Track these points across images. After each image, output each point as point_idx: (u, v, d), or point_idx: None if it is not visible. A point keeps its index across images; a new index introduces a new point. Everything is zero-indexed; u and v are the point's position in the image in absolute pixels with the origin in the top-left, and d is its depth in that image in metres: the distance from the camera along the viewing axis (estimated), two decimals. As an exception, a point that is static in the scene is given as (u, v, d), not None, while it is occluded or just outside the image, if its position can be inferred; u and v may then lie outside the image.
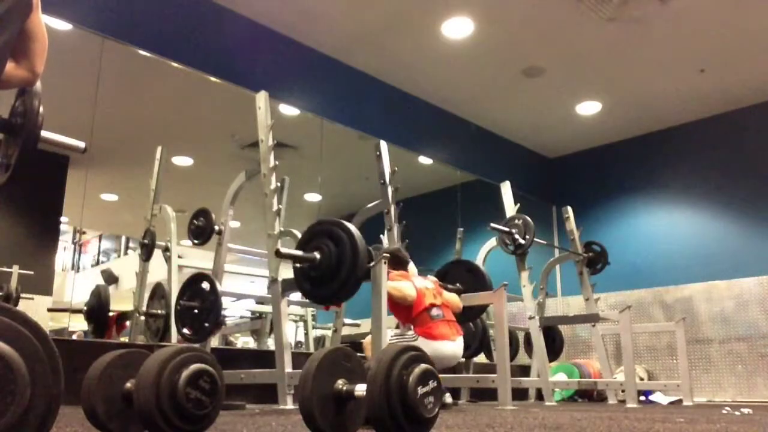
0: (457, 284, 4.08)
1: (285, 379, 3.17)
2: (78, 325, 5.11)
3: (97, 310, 4.11)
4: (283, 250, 2.72)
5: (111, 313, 4.72)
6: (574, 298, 6.26)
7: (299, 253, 2.72)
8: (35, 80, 1.58)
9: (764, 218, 5.90)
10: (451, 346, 3.36)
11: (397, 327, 3.58)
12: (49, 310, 4.42)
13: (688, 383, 4.86)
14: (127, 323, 4.56)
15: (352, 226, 2.74)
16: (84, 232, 5.04)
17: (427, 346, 3.24)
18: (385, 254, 2.98)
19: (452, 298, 3.68)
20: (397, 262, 3.56)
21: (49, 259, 4.67)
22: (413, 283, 3.42)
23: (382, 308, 2.93)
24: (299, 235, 5.20)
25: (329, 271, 2.70)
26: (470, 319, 4.48)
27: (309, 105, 5.24)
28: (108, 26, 4.10)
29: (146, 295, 4.39)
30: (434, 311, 3.37)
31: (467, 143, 6.68)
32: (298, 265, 2.78)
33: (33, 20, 1.57)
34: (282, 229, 3.46)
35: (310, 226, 2.83)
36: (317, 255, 2.71)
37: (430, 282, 3.58)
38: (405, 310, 3.39)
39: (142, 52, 4.29)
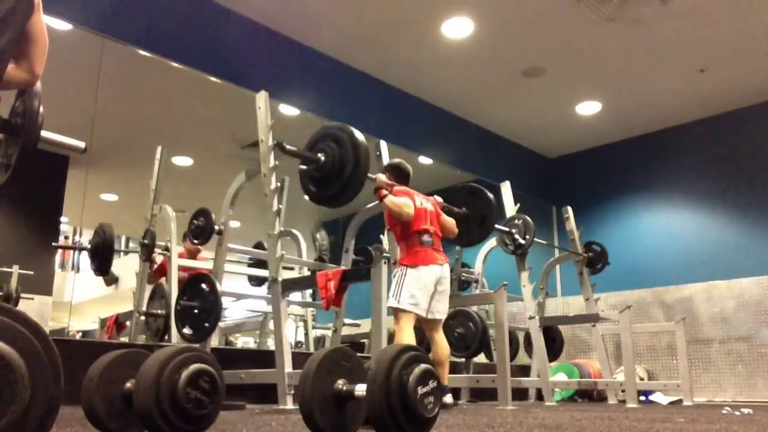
0: (463, 208, 4.04)
1: (285, 379, 3.17)
2: (78, 325, 5.10)
3: (101, 246, 4.13)
4: (288, 147, 2.81)
5: (111, 315, 4.73)
6: (574, 298, 6.26)
7: (305, 152, 2.84)
8: (34, 82, 1.58)
9: (764, 218, 5.90)
10: (439, 269, 3.38)
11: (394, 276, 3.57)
12: (55, 246, 4.48)
13: (688, 383, 4.86)
14: (127, 323, 4.56)
15: (356, 132, 2.83)
16: (66, 237, 5.09)
17: (418, 272, 3.29)
18: (385, 255, 2.99)
19: (448, 222, 3.68)
20: (400, 174, 3.58)
21: (49, 259, 4.68)
22: (413, 201, 3.42)
23: (382, 308, 2.94)
24: (299, 235, 5.23)
25: (333, 172, 2.81)
26: (463, 245, 4.37)
27: (309, 105, 5.24)
28: (108, 26, 4.10)
29: (146, 295, 4.39)
30: (425, 237, 3.40)
31: (467, 143, 6.68)
32: (303, 167, 2.86)
33: (34, 22, 1.57)
34: (282, 229, 3.46)
35: (316, 131, 2.93)
36: (321, 156, 2.81)
37: (430, 203, 3.57)
38: (401, 225, 3.41)
39: (142, 52, 4.29)
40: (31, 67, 1.58)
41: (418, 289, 3.28)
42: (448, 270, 3.52)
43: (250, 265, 5.26)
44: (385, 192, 3.33)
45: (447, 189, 6.71)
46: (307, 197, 3.06)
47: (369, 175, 3.04)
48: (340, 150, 2.81)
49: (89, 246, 4.23)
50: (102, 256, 4.13)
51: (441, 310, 3.43)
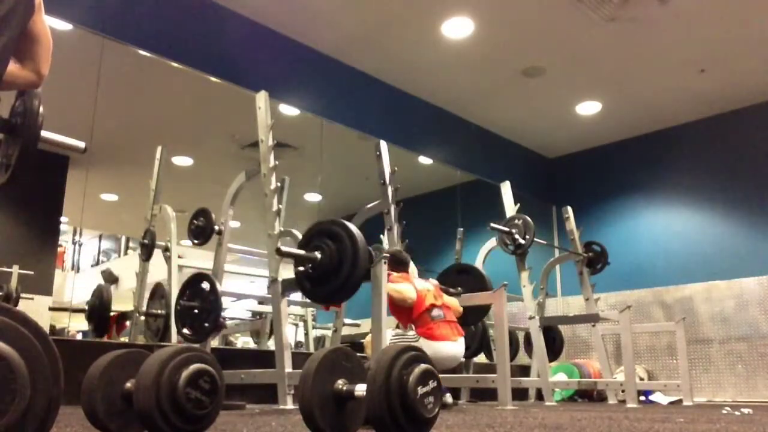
0: (458, 288, 4.07)
1: (285, 379, 3.16)
2: (78, 325, 5.11)
3: (98, 309, 4.11)
4: (284, 248, 2.73)
5: (112, 314, 4.73)
6: (574, 298, 6.26)
7: (300, 252, 2.73)
8: (40, 82, 1.58)
9: (764, 218, 5.90)
10: (452, 347, 3.35)
11: (398, 327, 3.58)
12: (51, 309, 4.43)
13: (688, 383, 4.86)
14: (127, 323, 4.56)
15: (352, 226, 2.74)
16: (63, 247, 5.08)
17: (428, 346, 3.24)
18: (385, 255, 2.99)
19: (453, 301, 3.68)
20: (398, 263, 3.56)
21: (49, 259, 4.67)
22: (413, 285, 3.42)
23: (382, 308, 2.93)
24: (299, 235, 5.22)
25: (330, 271, 2.70)
26: (475, 321, 4.46)
27: (309, 105, 5.24)
28: (108, 26, 4.10)
29: (146, 295, 4.39)
30: (435, 312, 3.37)
31: (467, 143, 6.68)
32: (300, 267, 2.78)
33: (36, 22, 1.57)
34: (282, 229, 3.46)
35: (310, 226, 2.84)
36: (318, 254, 2.72)
37: (430, 284, 3.58)
38: (405, 312, 3.39)
39: (142, 52, 4.29)
40: (36, 67, 1.58)
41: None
42: (463, 346, 3.48)
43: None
44: None
45: (447, 189, 6.75)
46: (303, 294, 2.98)
47: None
48: (337, 246, 2.70)
49: (86, 307, 4.22)
50: (99, 319, 4.13)
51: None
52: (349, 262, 2.66)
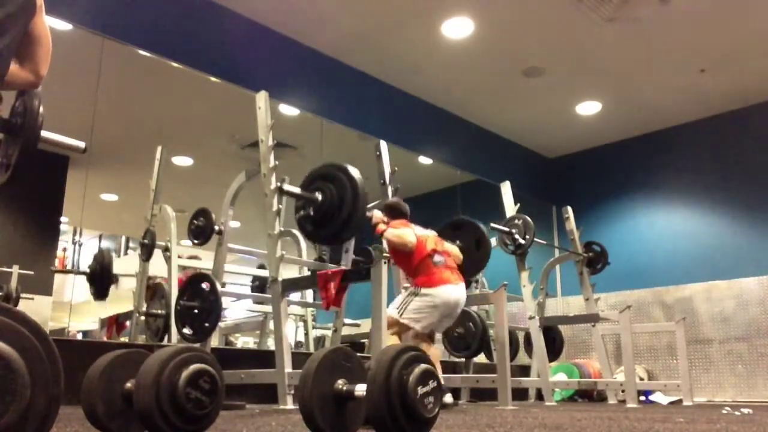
0: (458, 242, 4.04)
1: (285, 379, 3.16)
2: (78, 325, 5.10)
3: (99, 272, 4.13)
4: (286, 187, 2.80)
5: (111, 314, 4.73)
6: (574, 298, 6.26)
7: (302, 192, 2.81)
8: (39, 83, 1.59)
9: (764, 218, 5.90)
10: (455, 290, 3.36)
11: (407, 281, 3.56)
12: (54, 271, 4.49)
13: (688, 383, 4.86)
14: (127, 323, 4.56)
15: (352, 168, 2.82)
16: (65, 250, 5.13)
17: (434, 293, 3.26)
18: (386, 255, 2.99)
19: (453, 248, 3.66)
20: (397, 214, 3.57)
21: (49, 259, 4.67)
22: (413, 231, 3.41)
23: (382, 308, 2.93)
24: (299, 235, 5.24)
25: (331, 212, 2.79)
26: (473, 273, 4.38)
27: (309, 105, 5.24)
28: (108, 26, 4.10)
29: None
30: (436, 257, 3.37)
31: (467, 143, 6.68)
32: (301, 212, 2.85)
33: (37, 23, 1.57)
34: (282, 229, 3.46)
35: (311, 171, 2.91)
36: (318, 195, 2.81)
37: (430, 232, 3.57)
38: (407, 258, 3.39)
39: (142, 52, 4.29)
40: (35, 68, 1.58)
41: (428, 310, 3.26)
42: (464, 291, 3.49)
43: (253, 289, 5.24)
44: (383, 226, 3.32)
45: (447, 189, 6.74)
46: (307, 239, 3.04)
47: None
48: (338, 188, 2.79)
49: (87, 270, 4.23)
50: (100, 282, 4.14)
51: (441, 329, 3.42)
52: (350, 202, 2.74)
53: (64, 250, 5.25)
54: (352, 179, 2.77)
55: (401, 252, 3.36)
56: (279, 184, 2.89)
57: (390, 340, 3.22)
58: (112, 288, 5.20)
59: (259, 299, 4.84)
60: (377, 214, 3.38)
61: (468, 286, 4.35)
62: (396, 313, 3.27)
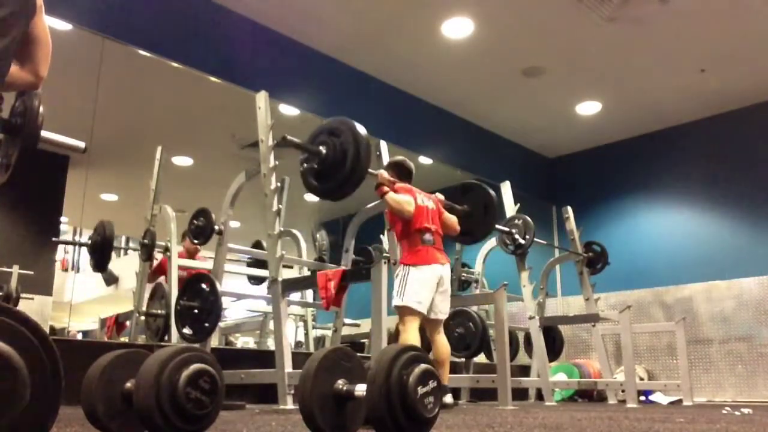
0: (465, 206, 4.02)
1: (285, 379, 3.17)
2: (78, 325, 5.10)
3: (100, 244, 4.12)
4: (290, 138, 2.83)
5: (111, 314, 4.72)
6: (574, 298, 6.26)
7: (306, 144, 2.85)
8: (39, 84, 1.59)
9: (764, 218, 5.90)
10: (440, 269, 3.37)
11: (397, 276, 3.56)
12: (55, 241, 4.51)
13: (688, 383, 4.86)
14: (127, 323, 4.56)
15: (356, 123, 2.84)
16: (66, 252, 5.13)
17: (418, 271, 3.28)
18: (386, 255, 2.99)
19: (450, 219, 3.66)
20: (402, 172, 3.57)
21: (49, 259, 4.67)
22: (414, 199, 3.41)
23: (382, 308, 2.94)
24: (299, 235, 5.23)
25: (335, 164, 2.81)
26: (481, 236, 4.38)
27: (309, 105, 5.24)
28: (108, 26, 4.10)
29: (146, 295, 4.39)
30: (427, 236, 3.38)
31: (467, 143, 6.68)
32: (305, 165, 2.88)
33: (37, 24, 1.57)
34: (282, 229, 3.46)
35: (318, 126, 2.95)
36: (323, 149, 2.83)
37: (431, 201, 3.56)
38: (401, 223, 3.40)
39: (142, 52, 4.29)
40: (35, 69, 1.58)
41: (421, 287, 3.27)
42: (449, 270, 3.52)
43: (249, 265, 5.25)
44: (386, 189, 3.32)
45: (446, 189, 6.74)
46: (309, 192, 3.07)
47: (370, 170, 3.04)
48: (341, 142, 2.82)
49: (89, 242, 4.22)
50: (101, 253, 4.12)
51: (443, 310, 3.42)
52: (353, 156, 2.77)
53: (66, 251, 5.25)
54: (357, 133, 2.79)
55: (397, 216, 3.38)
56: (283, 135, 2.90)
57: (411, 332, 3.22)
58: (113, 288, 5.21)
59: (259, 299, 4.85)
60: (383, 174, 3.38)
61: (479, 240, 4.43)
62: (400, 300, 3.27)
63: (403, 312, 3.27)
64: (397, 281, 3.34)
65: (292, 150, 3.02)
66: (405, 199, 3.36)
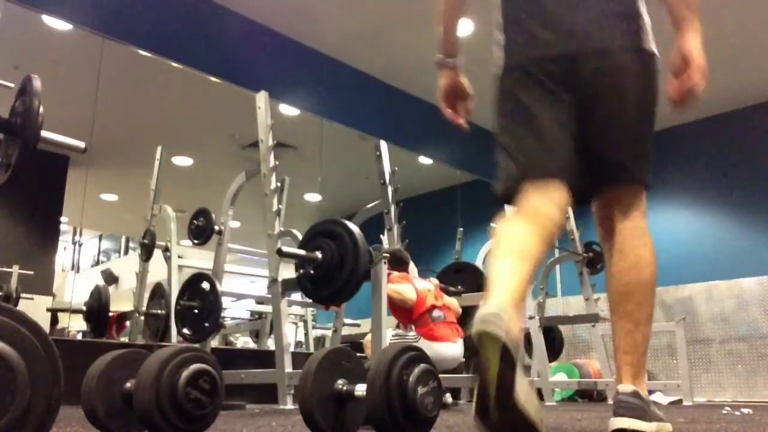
0: (459, 286, 4.07)
1: (285, 379, 3.17)
2: (78, 325, 5.10)
3: (96, 310, 4.11)
4: (285, 249, 2.74)
5: (111, 314, 4.72)
6: (574, 298, 6.25)
7: (301, 252, 2.74)
8: None
9: (764, 218, 5.90)
10: (452, 348, 3.35)
11: (398, 327, 3.58)
12: (49, 310, 4.44)
13: (688, 383, 4.86)
14: (127, 323, 4.56)
15: (352, 225, 2.76)
16: (65, 248, 5.06)
17: (429, 347, 3.25)
18: (385, 255, 2.99)
19: (453, 302, 3.67)
20: (398, 263, 3.56)
21: (49, 259, 4.67)
22: (413, 285, 3.41)
23: (382, 308, 2.93)
24: (299, 236, 5.22)
25: (330, 271, 2.72)
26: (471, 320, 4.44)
27: (309, 105, 5.24)
28: (108, 26, 4.10)
29: (146, 295, 4.39)
30: (435, 312, 3.36)
31: (467, 143, 6.67)
32: (301, 269, 2.79)
33: None
34: (282, 229, 3.46)
35: (310, 226, 2.85)
36: (318, 255, 2.73)
37: (430, 284, 3.57)
38: (405, 313, 3.39)
39: (142, 52, 4.29)
40: None
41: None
42: (462, 348, 3.48)
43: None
44: None
45: (447, 189, 6.74)
46: (305, 296, 3.00)
47: None
48: (338, 246, 2.72)
49: (84, 308, 4.22)
50: (97, 319, 4.13)
51: None
52: (351, 261, 2.68)
53: (65, 249, 5.25)
54: (353, 236, 2.69)
55: (400, 307, 3.36)
56: (278, 248, 2.81)
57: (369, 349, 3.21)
58: (113, 288, 5.21)
59: (259, 299, 4.84)
60: None
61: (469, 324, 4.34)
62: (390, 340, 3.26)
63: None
64: (402, 331, 3.33)
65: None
66: (405, 288, 3.35)
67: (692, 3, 1.68)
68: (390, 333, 3.40)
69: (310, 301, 4.78)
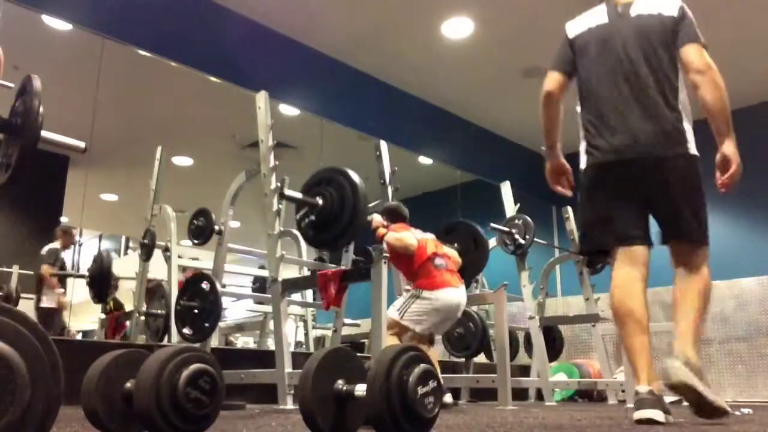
0: (455, 245, 4.02)
1: (285, 379, 3.17)
2: (78, 325, 5.10)
3: (99, 276, 4.10)
4: (287, 192, 2.81)
5: (111, 314, 4.72)
6: (574, 298, 6.25)
7: (302, 196, 2.84)
8: None
9: (764, 218, 5.90)
10: (456, 293, 3.34)
11: (406, 289, 3.55)
12: (52, 275, 4.47)
13: (688, 383, 4.85)
14: (127, 323, 4.57)
15: (352, 173, 2.83)
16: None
17: (435, 297, 3.26)
18: (385, 255, 2.99)
19: (452, 252, 3.65)
20: (397, 216, 3.57)
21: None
22: (413, 234, 3.41)
23: (382, 308, 2.93)
24: (299, 235, 5.22)
25: (332, 216, 2.80)
26: (473, 274, 4.38)
27: (309, 105, 5.24)
28: (108, 26, 4.10)
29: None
30: (437, 260, 3.36)
31: (467, 143, 6.68)
32: (302, 217, 2.87)
33: None
34: (282, 229, 3.46)
35: (311, 175, 2.94)
36: (319, 200, 2.82)
37: (429, 235, 3.56)
38: (407, 261, 3.38)
39: (142, 52, 4.29)
40: None
41: (429, 313, 3.25)
42: (464, 294, 3.48)
43: (254, 290, 5.23)
44: (383, 230, 3.32)
45: (447, 189, 6.75)
46: (309, 245, 3.07)
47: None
48: (338, 193, 2.80)
49: (87, 273, 4.22)
50: (100, 285, 4.13)
51: (440, 332, 3.41)
52: (350, 205, 2.76)
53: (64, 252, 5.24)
54: (353, 183, 2.78)
55: (402, 255, 3.36)
56: (280, 188, 2.90)
57: (390, 341, 3.21)
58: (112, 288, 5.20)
59: (258, 299, 4.84)
60: (377, 218, 3.37)
61: (468, 286, 4.34)
62: (397, 314, 3.27)
63: (394, 324, 3.26)
64: (404, 297, 3.33)
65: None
66: (405, 234, 3.35)
67: (728, 119, 2.45)
68: (400, 300, 3.38)
69: (310, 301, 4.81)
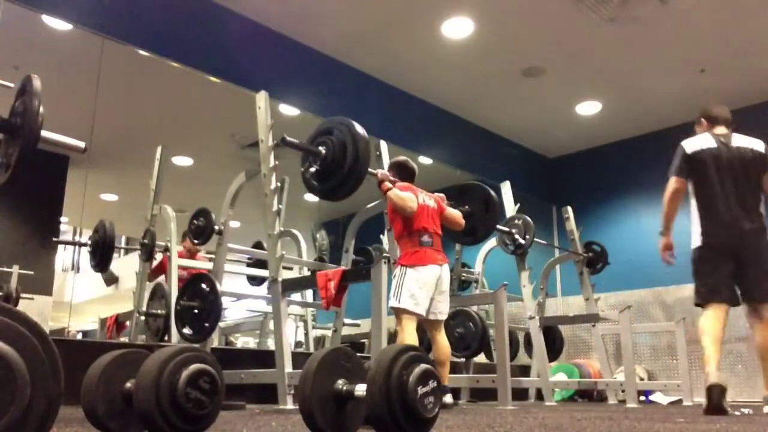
0: (467, 207, 3.99)
1: (285, 379, 3.17)
2: (78, 325, 5.10)
3: (101, 245, 4.08)
4: (289, 139, 2.87)
5: (112, 314, 4.72)
6: (574, 298, 6.26)
7: (305, 144, 2.91)
8: None
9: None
10: (438, 269, 3.36)
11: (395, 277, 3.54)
12: (55, 241, 4.49)
13: (688, 383, 4.86)
14: (127, 323, 4.56)
15: (354, 122, 2.89)
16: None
17: (416, 273, 3.28)
18: (386, 255, 2.99)
19: (454, 214, 3.65)
20: (405, 172, 3.58)
21: (49, 259, 4.67)
22: (416, 197, 3.41)
23: (382, 308, 2.94)
24: (299, 235, 5.22)
25: (334, 164, 2.87)
26: (484, 234, 4.36)
27: (309, 105, 5.24)
28: (108, 26, 4.10)
29: (146, 295, 4.39)
30: (425, 237, 3.37)
31: (467, 143, 6.68)
32: (306, 168, 2.95)
33: None
34: (282, 229, 3.46)
35: (317, 126, 3.05)
36: (322, 150, 2.90)
37: (433, 201, 3.55)
38: (401, 222, 3.39)
39: (142, 52, 4.29)
40: None
41: (418, 289, 3.27)
42: (448, 270, 3.51)
43: (249, 265, 5.25)
44: (388, 185, 3.32)
45: (446, 189, 6.73)
46: (310, 193, 3.11)
47: (370, 170, 3.05)
48: (340, 142, 2.87)
49: (89, 242, 4.20)
50: (102, 253, 4.11)
51: (442, 311, 3.42)
52: (352, 153, 2.83)
53: (65, 249, 5.24)
54: (354, 131, 2.85)
55: (399, 213, 3.37)
56: (282, 135, 2.96)
57: (407, 333, 3.21)
58: (113, 288, 5.20)
59: (259, 297, 4.84)
60: (384, 172, 3.39)
61: (481, 240, 4.50)
62: (395, 302, 3.27)
63: (399, 313, 3.27)
64: (394, 282, 3.34)
65: (292, 150, 3.03)
66: (408, 195, 3.36)
67: None
68: (393, 285, 3.39)
69: (310, 301, 4.81)
